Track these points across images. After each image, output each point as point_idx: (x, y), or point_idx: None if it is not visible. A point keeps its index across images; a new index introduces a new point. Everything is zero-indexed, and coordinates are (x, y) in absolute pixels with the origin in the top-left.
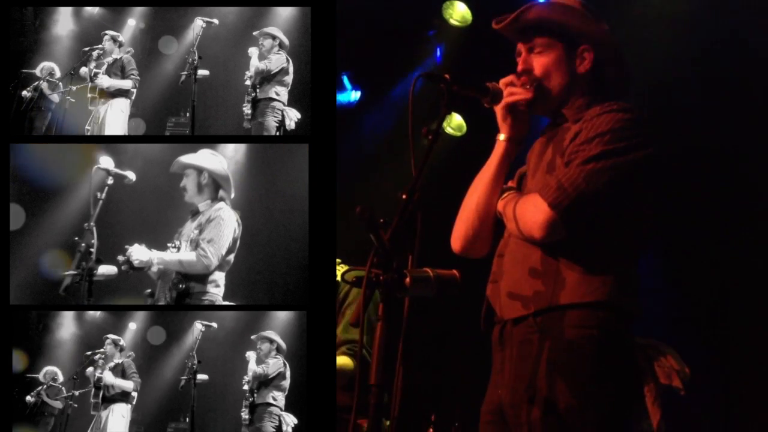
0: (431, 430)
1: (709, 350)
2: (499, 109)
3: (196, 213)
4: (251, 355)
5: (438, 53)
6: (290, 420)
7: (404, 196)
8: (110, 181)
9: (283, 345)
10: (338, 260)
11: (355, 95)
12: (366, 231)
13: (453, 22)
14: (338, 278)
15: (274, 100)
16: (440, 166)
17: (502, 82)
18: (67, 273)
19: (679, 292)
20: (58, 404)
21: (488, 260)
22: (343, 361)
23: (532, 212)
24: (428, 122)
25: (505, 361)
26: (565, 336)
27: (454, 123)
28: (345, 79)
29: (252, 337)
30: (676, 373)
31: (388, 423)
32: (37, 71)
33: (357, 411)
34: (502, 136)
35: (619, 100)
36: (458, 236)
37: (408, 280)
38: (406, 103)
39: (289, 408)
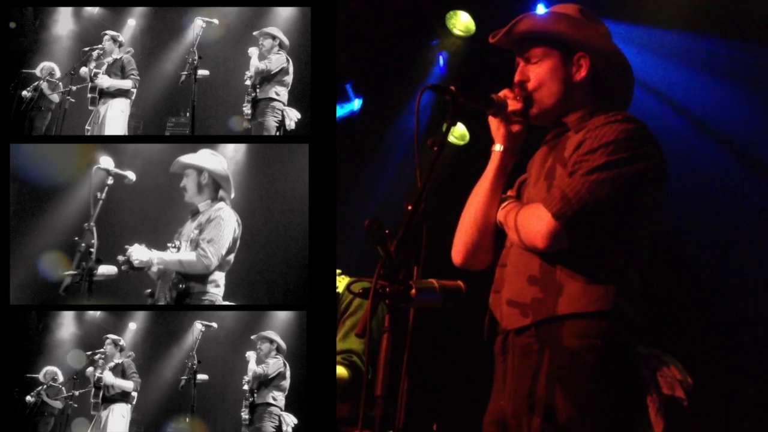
0: None
1: (713, 360)
2: (493, 120)
3: (196, 213)
4: (251, 355)
5: (442, 63)
6: (290, 420)
7: (410, 207)
8: (110, 181)
9: (283, 345)
10: (338, 270)
11: (357, 104)
12: (374, 243)
13: (456, 31)
14: (339, 290)
15: (274, 100)
16: (443, 176)
17: (494, 97)
18: (67, 273)
19: (683, 302)
20: (58, 404)
21: (493, 271)
22: (337, 371)
23: (535, 222)
24: (432, 132)
25: (507, 372)
26: (567, 346)
27: (457, 132)
28: (348, 89)
29: (252, 337)
30: (678, 384)
31: None
32: (37, 71)
33: (360, 421)
34: (497, 147)
35: (622, 106)
36: (459, 249)
37: (413, 291)
38: (409, 112)
39: (289, 408)
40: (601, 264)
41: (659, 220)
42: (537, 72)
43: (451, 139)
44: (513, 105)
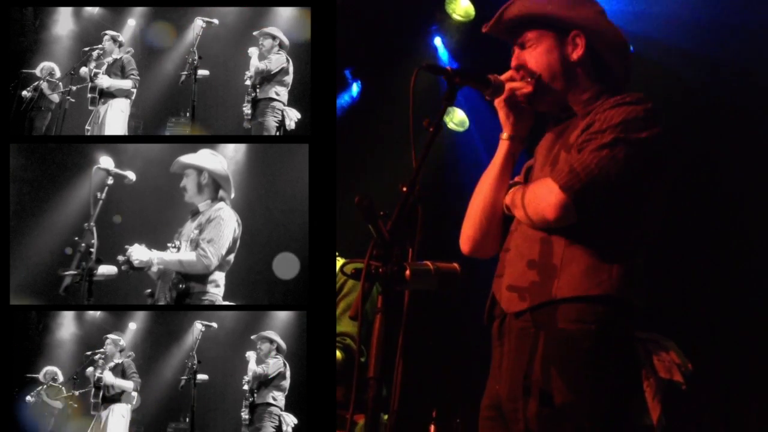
0: (433, 425)
1: (711, 344)
2: (500, 107)
3: (196, 213)
4: (251, 355)
5: (441, 48)
6: (290, 420)
7: (405, 189)
8: (110, 181)
9: (283, 345)
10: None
11: (355, 89)
12: (365, 221)
13: (456, 16)
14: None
15: (274, 100)
16: (442, 161)
17: (503, 77)
18: (67, 273)
19: (682, 285)
20: (58, 404)
21: (494, 255)
22: None
23: (544, 194)
24: (430, 114)
25: (504, 356)
26: (562, 330)
27: (457, 118)
28: (347, 75)
29: (252, 337)
30: (677, 368)
31: (386, 417)
32: (37, 71)
33: (351, 405)
34: (504, 135)
35: (622, 86)
36: (466, 238)
37: (408, 273)
38: (406, 95)
39: (289, 408)
40: (606, 247)
41: (665, 203)
42: (533, 56)
43: (451, 125)
44: (524, 87)
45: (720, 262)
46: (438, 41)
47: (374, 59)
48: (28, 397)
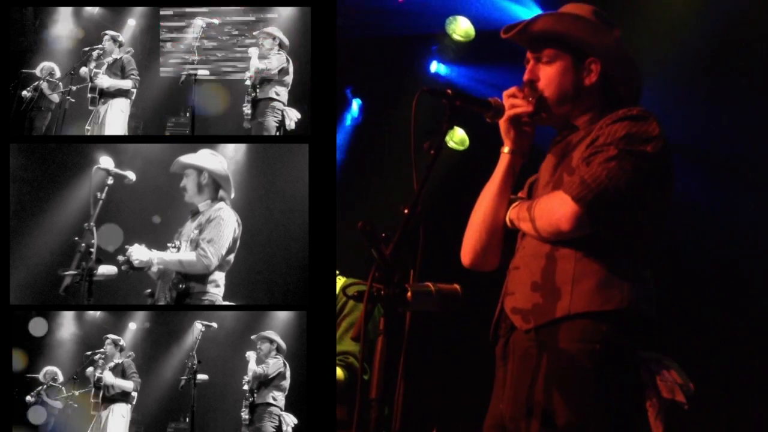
0: None
1: (713, 364)
2: (501, 122)
3: (196, 213)
4: (251, 355)
5: (441, 68)
6: (290, 420)
7: (406, 210)
8: (110, 181)
9: (283, 345)
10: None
11: (356, 107)
12: (367, 245)
13: (456, 37)
14: (337, 291)
15: (274, 100)
16: (443, 180)
17: (505, 94)
18: (67, 273)
19: (684, 305)
20: (58, 404)
21: (491, 275)
22: None
23: (556, 206)
24: (431, 136)
25: (507, 376)
26: (566, 350)
27: (457, 137)
28: (348, 94)
29: (252, 337)
30: (679, 388)
31: None
32: (37, 71)
33: (354, 425)
34: (505, 149)
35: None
36: (467, 250)
37: (409, 294)
38: (408, 117)
39: (289, 408)
40: (616, 261)
41: (666, 216)
42: (547, 72)
43: (451, 144)
44: (525, 107)
45: (721, 281)
46: (437, 63)
47: (375, 79)
48: (28, 397)
